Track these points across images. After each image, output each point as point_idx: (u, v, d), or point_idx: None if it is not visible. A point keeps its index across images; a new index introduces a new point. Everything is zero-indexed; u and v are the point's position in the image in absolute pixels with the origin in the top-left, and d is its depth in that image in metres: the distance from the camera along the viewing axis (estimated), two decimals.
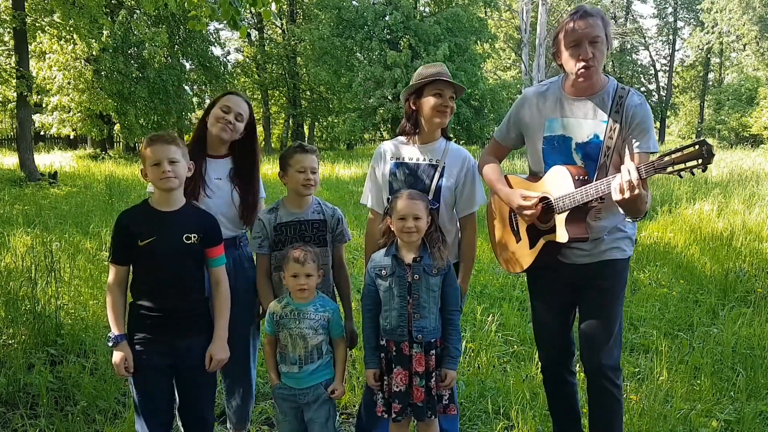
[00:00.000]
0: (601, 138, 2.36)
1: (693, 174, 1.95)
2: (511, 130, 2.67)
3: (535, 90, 2.60)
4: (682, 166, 1.94)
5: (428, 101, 2.58)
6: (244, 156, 2.74)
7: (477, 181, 2.70)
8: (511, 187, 2.60)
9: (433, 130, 2.65)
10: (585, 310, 2.53)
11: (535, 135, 2.53)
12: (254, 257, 2.72)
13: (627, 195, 2.05)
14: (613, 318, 2.47)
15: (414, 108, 2.64)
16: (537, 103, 2.54)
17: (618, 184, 2.08)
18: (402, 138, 2.73)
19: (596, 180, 2.29)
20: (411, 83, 2.65)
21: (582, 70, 2.31)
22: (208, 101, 28.54)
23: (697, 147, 1.90)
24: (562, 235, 2.32)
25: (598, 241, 2.43)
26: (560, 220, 2.33)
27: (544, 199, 2.41)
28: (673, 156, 1.97)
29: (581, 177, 2.31)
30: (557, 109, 2.47)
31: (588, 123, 2.40)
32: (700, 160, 1.90)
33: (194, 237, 2.30)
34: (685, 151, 1.93)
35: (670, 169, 1.98)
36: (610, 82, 2.43)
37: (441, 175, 2.60)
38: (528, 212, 2.43)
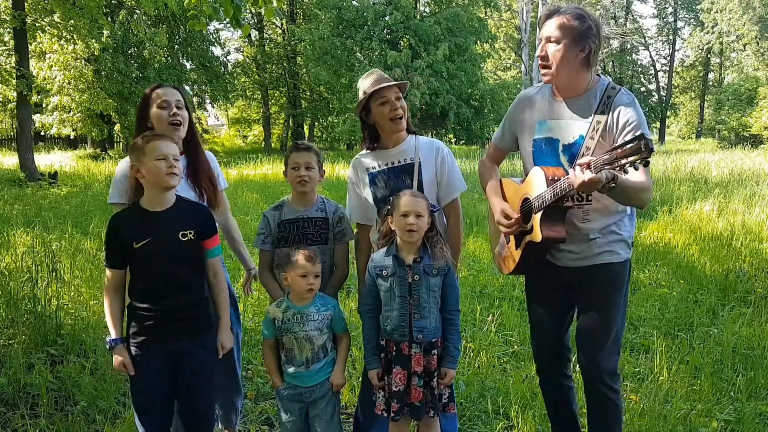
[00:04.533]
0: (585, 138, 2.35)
1: (636, 169, 1.94)
2: (506, 132, 2.65)
3: (529, 91, 2.59)
4: (624, 161, 1.93)
5: (380, 112, 2.57)
6: (191, 149, 2.65)
7: (454, 168, 2.69)
8: (503, 190, 2.61)
9: (395, 136, 2.64)
10: (581, 313, 2.51)
11: (527, 137, 2.52)
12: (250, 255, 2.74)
13: (575, 186, 2.06)
14: (610, 322, 2.44)
15: (370, 122, 2.65)
16: (530, 105, 2.52)
17: (573, 175, 2.08)
18: (370, 150, 2.72)
19: None
20: (359, 98, 2.64)
21: (540, 69, 2.36)
22: (208, 101, 28.66)
23: (636, 142, 1.89)
24: (537, 235, 2.32)
25: (590, 244, 2.39)
26: (536, 219, 2.33)
27: (525, 200, 2.41)
28: (617, 152, 1.95)
29: (554, 177, 2.29)
30: (546, 110, 2.46)
31: (575, 124, 2.37)
32: (639, 155, 1.89)
33: (190, 233, 2.29)
34: (627, 147, 1.92)
35: (616, 164, 1.96)
36: (600, 82, 2.39)
37: (420, 172, 2.60)
38: (505, 230, 2.47)
